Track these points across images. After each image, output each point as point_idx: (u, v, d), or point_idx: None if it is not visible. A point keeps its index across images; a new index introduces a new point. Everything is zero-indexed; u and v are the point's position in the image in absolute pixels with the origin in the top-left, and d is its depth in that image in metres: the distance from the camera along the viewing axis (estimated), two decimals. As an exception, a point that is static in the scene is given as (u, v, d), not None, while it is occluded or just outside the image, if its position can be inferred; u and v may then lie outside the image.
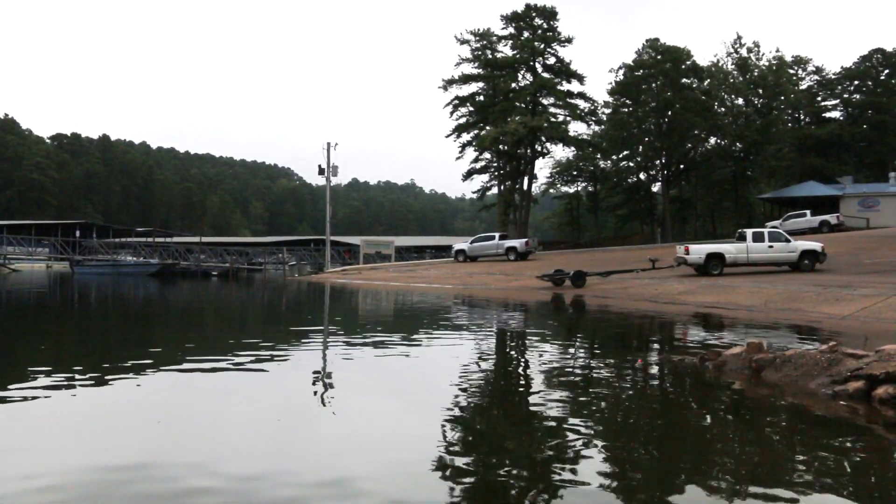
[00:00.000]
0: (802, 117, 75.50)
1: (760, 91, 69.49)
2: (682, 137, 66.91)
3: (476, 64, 62.87)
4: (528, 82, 62.22)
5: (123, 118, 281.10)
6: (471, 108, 64.14)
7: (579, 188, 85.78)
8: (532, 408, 7.29)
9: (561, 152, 76.01)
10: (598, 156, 74.69)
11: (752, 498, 4.55)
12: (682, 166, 71.89)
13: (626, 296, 24.65)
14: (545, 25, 61.86)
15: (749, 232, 28.39)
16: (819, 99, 75.01)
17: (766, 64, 70.41)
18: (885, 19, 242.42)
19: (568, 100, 61.77)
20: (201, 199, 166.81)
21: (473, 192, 69.08)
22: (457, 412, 6.99)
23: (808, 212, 49.42)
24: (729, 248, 27.84)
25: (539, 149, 62.63)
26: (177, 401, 7.45)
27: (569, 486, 4.69)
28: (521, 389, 8.60)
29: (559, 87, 61.92)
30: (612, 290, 26.61)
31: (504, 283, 31.89)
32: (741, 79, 69.74)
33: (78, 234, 67.85)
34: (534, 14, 61.89)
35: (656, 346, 12.73)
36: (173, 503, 4.36)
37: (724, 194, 74.33)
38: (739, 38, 72.11)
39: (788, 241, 27.78)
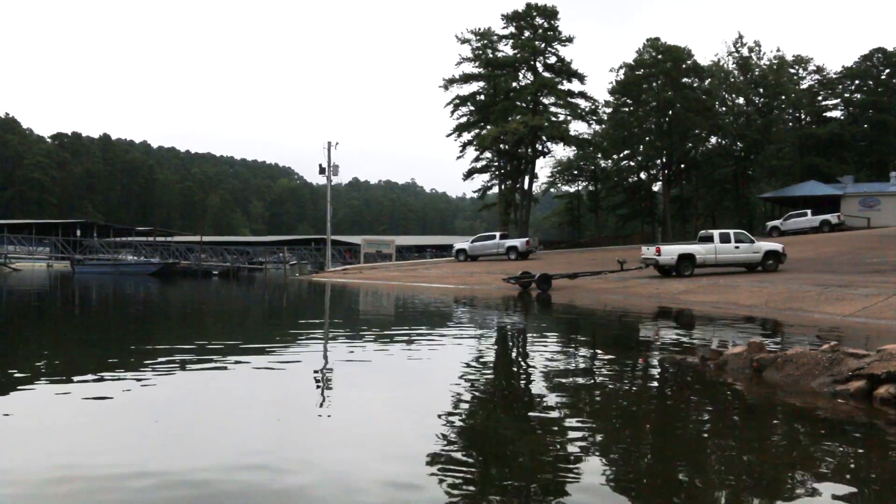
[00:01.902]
0: (803, 117, 75.41)
1: (761, 90, 69.33)
2: (682, 137, 66.80)
3: (477, 63, 62.79)
4: (528, 81, 62.13)
5: (124, 118, 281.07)
6: (471, 108, 64.06)
7: (580, 187, 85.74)
8: (532, 406, 7.29)
9: (562, 152, 76.11)
10: (599, 155, 74.57)
11: (753, 498, 4.54)
12: (682, 166, 71.77)
13: (626, 294, 24.66)
14: (546, 25, 61.78)
15: (716, 233, 28.67)
16: (820, 98, 74.92)
17: (767, 63, 70.27)
18: (886, 19, 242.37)
19: (569, 99, 61.68)
20: (202, 198, 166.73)
21: (474, 192, 69.05)
22: (457, 411, 6.99)
23: (808, 211, 49.39)
24: (699, 249, 27.98)
25: (540, 148, 62.57)
26: (175, 400, 7.44)
27: (569, 486, 4.68)
28: (521, 388, 8.60)
29: (560, 87, 61.84)
30: (612, 289, 26.62)
31: (504, 282, 31.82)
32: (742, 78, 69.59)
33: (79, 233, 67.99)
34: (534, 13, 61.81)
35: (659, 344, 12.73)
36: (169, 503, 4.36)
37: (725, 194, 74.24)
38: (741, 37, 72.04)
39: (752, 241, 28.26)
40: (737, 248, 27.60)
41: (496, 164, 64.12)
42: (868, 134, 72.05)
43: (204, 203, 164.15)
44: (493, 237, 47.34)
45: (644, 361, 10.41)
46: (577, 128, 71.78)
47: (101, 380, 8.45)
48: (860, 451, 5.64)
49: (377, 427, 6.31)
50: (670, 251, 28.20)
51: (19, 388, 7.87)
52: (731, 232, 28.95)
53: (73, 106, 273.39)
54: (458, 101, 63.54)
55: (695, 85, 66.96)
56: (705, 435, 6.27)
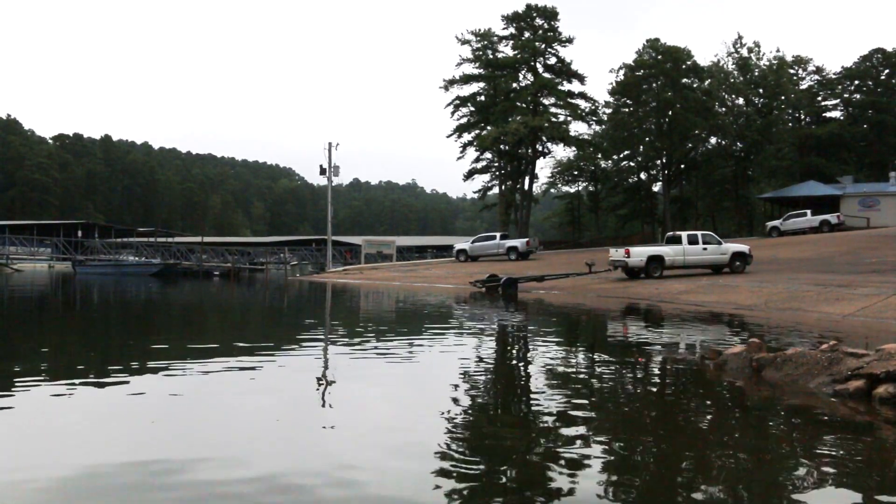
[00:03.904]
0: (803, 117, 75.40)
1: (761, 91, 69.34)
2: (682, 137, 66.83)
3: (477, 64, 62.87)
4: (528, 82, 62.20)
5: (125, 119, 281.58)
6: (472, 108, 64.12)
7: (580, 188, 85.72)
8: (533, 406, 7.35)
9: (562, 152, 75.92)
10: (599, 155, 74.56)
11: (753, 497, 4.61)
12: (682, 166, 71.80)
13: (627, 294, 24.73)
14: (546, 25, 61.86)
15: (684, 234, 28.70)
16: (819, 99, 74.91)
17: (767, 64, 70.28)
18: (886, 19, 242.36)
19: (569, 100, 61.76)
20: (203, 199, 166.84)
21: (474, 192, 69.11)
22: (457, 410, 7.04)
23: (808, 211, 49.46)
24: (667, 251, 28.01)
25: (540, 149, 62.64)
26: (173, 401, 7.42)
27: (569, 485, 4.74)
28: (522, 387, 8.65)
29: (560, 87, 61.92)
30: (611, 289, 26.67)
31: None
32: (741, 79, 69.60)
33: (80, 234, 68.03)
34: (534, 14, 61.88)
35: (657, 345, 12.79)
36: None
37: (725, 194, 74.25)
38: (740, 37, 72.04)
39: (720, 243, 28.41)
40: (705, 249, 27.71)
41: (496, 164, 64.18)
42: (867, 134, 72.06)
43: (205, 204, 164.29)
44: (494, 237, 47.42)
45: (643, 361, 10.47)
46: (578, 128, 71.96)
47: (100, 380, 8.50)
48: (859, 450, 5.70)
49: (377, 427, 6.34)
50: (639, 253, 28.18)
51: (17, 388, 7.93)
52: (699, 233, 29.02)
53: (75, 107, 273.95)
54: (458, 101, 63.63)
55: (694, 85, 66.98)
56: (704, 434, 6.33)
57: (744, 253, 27.74)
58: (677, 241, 28.39)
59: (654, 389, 8.58)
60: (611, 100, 70.16)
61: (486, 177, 65.16)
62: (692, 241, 27.97)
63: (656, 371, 9.76)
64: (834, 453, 5.56)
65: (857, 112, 74.00)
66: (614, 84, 69.08)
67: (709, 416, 7.07)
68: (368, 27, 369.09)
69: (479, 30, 63.31)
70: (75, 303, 26.71)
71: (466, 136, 63.20)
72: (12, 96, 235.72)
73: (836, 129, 69.66)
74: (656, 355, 11.22)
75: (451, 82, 62.83)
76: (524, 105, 60.66)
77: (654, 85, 66.61)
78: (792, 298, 19.20)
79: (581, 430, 6.18)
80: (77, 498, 4.46)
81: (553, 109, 62.11)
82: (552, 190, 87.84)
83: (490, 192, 66.31)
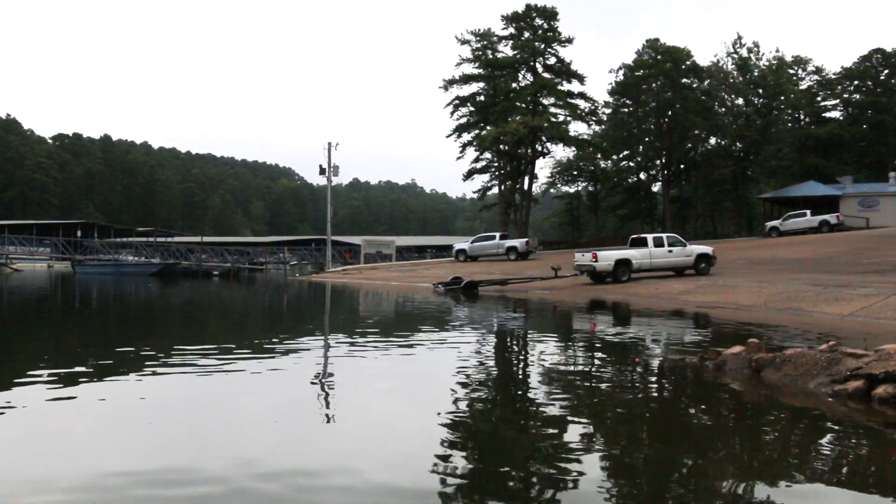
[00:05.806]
0: (802, 117, 75.46)
1: (760, 91, 69.40)
2: (682, 137, 66.88)
3: (477, 64, 62.89)
4: (528, 82, 62.23)
5: (125, 118, 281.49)
6: (471, 108, 64.13)
7: (580, 188, 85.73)
8: (532, 406, 7.34)
9: (561, 152, 75.95)
10: (599, 156, 74.58)
11: (752, 498, 4.60)
12: (682, 166, 71.84)
13: (626, 295, 24.73)
14: (545, 26, 61.89)
15: (649, 237, 28.64)
16: (819, 99, 74.97)
17: (766, 64, 70.36)
18: (885, 19, 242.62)
19: (568, 100, 61.78)
20: (202, 198, 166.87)
21: (474, 192, 69.13)
22: (457, 410, 7.03)
23: (807, 211, 49.50)
24: (634, 254, 27.90)
25: (539, 149, 62.65)
26: (170, 402, 7.40)
27: (568, 485, 4.74)
28: (521, 387, 8.64)
29: (559, 87, 61.94)
30: (612, 289, 26.67)
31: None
32: (741, 79, 69.67)
33: (79, 233, 68.02)
34: (534, 14, 61.91)
35: (655, 344, 12.79)
36: None
37: (725, 194, 74.30)
38: (739, 38, 72.15)
39: (685, 245, 28.46)
40: (670, 251, 27.70)
41: (496, 164, 64.18)
42: (867, 134, 72.13)
43: (205, 204, 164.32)
44: (493, 237, 47.44)
45: (641, 361, 10.47)
46: (577, 128, 72.11)
47: (96, 381, 8.46)
48: (858, 451, 5.70)
49: (376, 428, 6.32)
50: (607, 257, 27.89)
51: (16, 389, 7.91)
52: (665, 236, 29.01)
53: (74, 107, 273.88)
54: (458, 101, 63.63)
55: (694, 85, 67.04)
56: (703, 435, 6.33)
57: (707, 254, 27.85)
58: (643, 243, 28.23)
59: (653, 390, 8.57)
60: (610, 100, 70.24)
61: (486, 177, 65.22)
62: (658, 243, 27.90)
63: (655, 371, 9.75)
64: (833, 454, 5.55)
65: (856, 112, 74.08)
66: (614, 84, 69.19)
67: (707, 417, 7.07)
68: (368, 27, 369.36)
69: (479, 30, 63.39)
70: (74, 303, 26.69)
71: (466, 136, 63.22)
72: (12, 96, 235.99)
73: (835, 129, 69.72)
74: (655, 356, 11.21)
75: (450, 82, 62.84)
76: (524, 105, 60.68)
77: (653, 85, 66.66)
78: (791, 299, 19.20)
79: (580, 430, 6.18)
80: (74, 500, 4.45)
81: (553, 109, 62.15)
82: (552, 190, 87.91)
83: (490, 192, 66.33)
